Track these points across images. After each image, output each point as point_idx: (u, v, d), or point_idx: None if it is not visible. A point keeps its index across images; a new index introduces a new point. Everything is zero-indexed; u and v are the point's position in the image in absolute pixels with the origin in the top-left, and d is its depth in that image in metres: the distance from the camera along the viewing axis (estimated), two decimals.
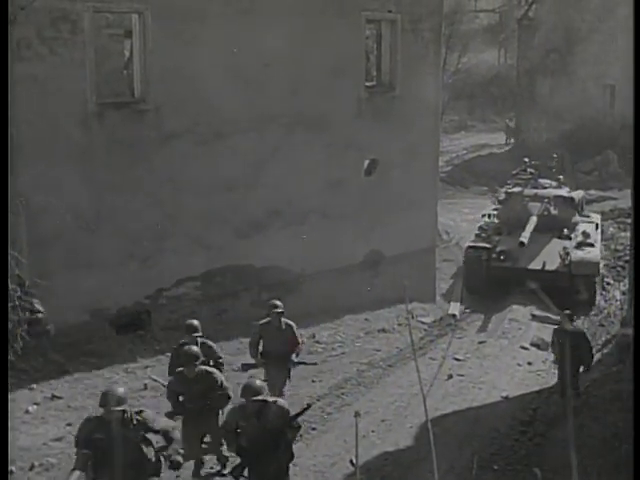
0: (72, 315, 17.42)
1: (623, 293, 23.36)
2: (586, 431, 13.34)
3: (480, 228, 26.23)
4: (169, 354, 17.54)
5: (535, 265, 23.81)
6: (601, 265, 24.96)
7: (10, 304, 14.84)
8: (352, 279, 21.85)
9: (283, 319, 14.23)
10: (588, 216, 27.36)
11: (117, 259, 18.10)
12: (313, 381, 16.50)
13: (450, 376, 17.34)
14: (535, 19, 46.83)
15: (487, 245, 24.69)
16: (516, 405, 15.89)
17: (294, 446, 13.36)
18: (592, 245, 24.47)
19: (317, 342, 19.04)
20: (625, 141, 34.29)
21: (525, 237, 23.31)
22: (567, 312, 16.34)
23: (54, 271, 17.07)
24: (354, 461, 12.49)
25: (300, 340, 14.49)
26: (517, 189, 26.96)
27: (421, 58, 23.06)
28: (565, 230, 25.10)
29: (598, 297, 24.34)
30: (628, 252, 23.90)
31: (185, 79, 18.61)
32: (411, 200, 22.88)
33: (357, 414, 9.43)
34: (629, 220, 25.98)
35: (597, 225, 26.71)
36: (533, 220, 24.51)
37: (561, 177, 28.69)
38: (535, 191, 26.37)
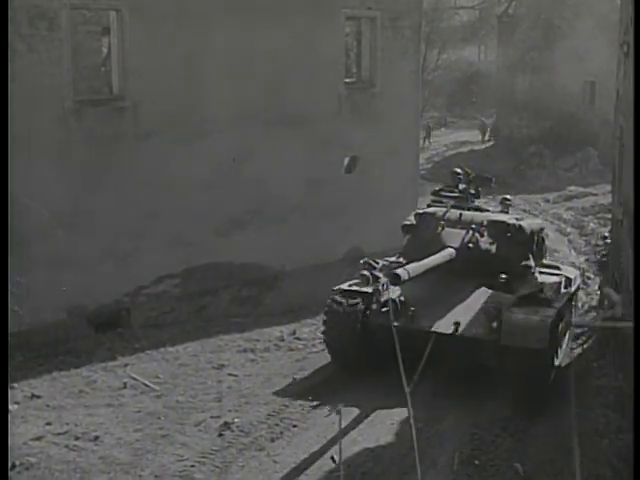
0: (50, 313, 17.35)
1: None
2: (567, 426, 13.35)
3: (368, 266, 16.31)
4: (149, 352, 17.59)
5: (442, 327, 14.84)
6: (563, 346, 16.80)
7: None
8: (332, 276, 21.81)
9: None
10: (556, 267, 18.05)
11: (96, 257, 18.02)
12: (294, 378, 16.43)
13: None
14: (515, 16, 47.00)
15: (366, 289, 15.70)
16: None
17: (274, 443, 13.37)
18: (547, 303, 15.03)
19: (298, 339, 18.96)
20: (605, 137, 34.41)
21: (405, 270, 14.24)
22: None
23: (32, 269, 16.97)
24: (335, 458, 12.44)
25: None
26: (433, 209, 17.38)
27: (401, 55, 23.08)
28: (502, 275, 15.59)
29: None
30: (608, 246, 23.96)
31: (163, 76, 18.56)
32: (391, 197, 22.87)
33: (338, 411, 9.37)
34: (609, 215, 26.05)
35: (569, 281, 17.29)
36: (447, 253, 15.88)
37: (508, 197, 19.09)
38: (460, 212, 17.01)
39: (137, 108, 18.37)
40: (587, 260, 26.23)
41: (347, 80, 23.02)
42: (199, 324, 19.17)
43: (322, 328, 16.28)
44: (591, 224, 31.36)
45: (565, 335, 17.17)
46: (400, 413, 13.72)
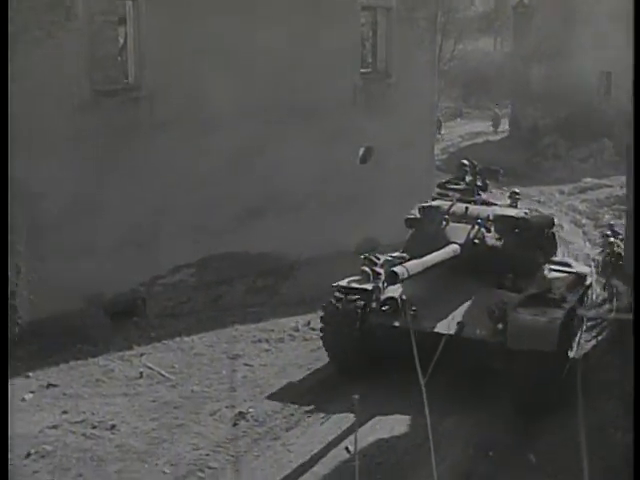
0: (67, 302, 17.41)
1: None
2: (579, 418, 13.34)
3: (367, 261, 15.93)
4: (165, 341, 17.66)
5: (445, 328, 14.05)
6: (574, 347, 15.90)
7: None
8: (347, 266, 21.83)
9: None
10: (567, 264, 17.05)
11: (112, 246, 18.08)
12: (309, 369, 16.48)
13: None
14: (530, 6, 46.83)
15: (366, 287, 14.95)
16: None
17: (289, 433, 13.42)
18: (556, 303, 14.20)
19: (312, 329, 19.00)
20: (621, 128, 34.28)
21: (404, 268, 13.28)
22: None
23: (49, 257, 17.05)
24: (350, 448, 12.48)
25: None
26: (437, 203, 16.68)
27: (417, 45, 23.06)
28: (510, 275, 15.04)
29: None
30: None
31: (180, 66, 18.59)
32: (406, 188, 22.83)
33: (354, 400, 9.38)
34: (624, 207, 25.97)
35: (581, 278, 16.53)
36: (450, 250, 14.89)
37: (517, 190, 18.60)
38: (466, 206, 16.17)
39: (153, 98, 18.42)
40: (602, 252, 26.14)
41: (362, 70, 23.01)
42: (215, 314, 19.22)
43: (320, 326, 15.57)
44: (606, 216, 31.26)
45: (576, 335, 16.27)
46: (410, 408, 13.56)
